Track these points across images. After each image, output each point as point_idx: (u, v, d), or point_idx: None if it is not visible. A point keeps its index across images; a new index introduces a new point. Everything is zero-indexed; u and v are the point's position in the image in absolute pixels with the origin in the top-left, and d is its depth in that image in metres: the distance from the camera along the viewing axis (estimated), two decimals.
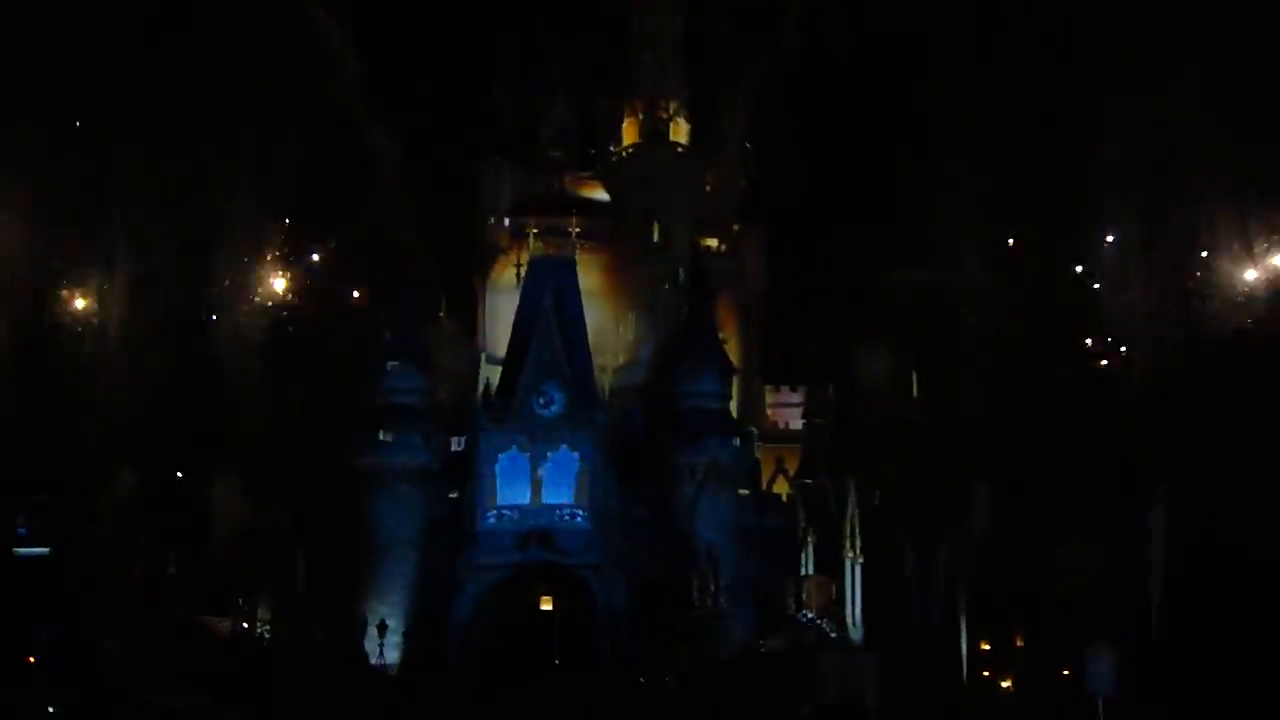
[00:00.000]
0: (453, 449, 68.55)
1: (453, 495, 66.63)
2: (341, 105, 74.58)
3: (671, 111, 78.55)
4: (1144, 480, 56.80)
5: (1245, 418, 53.75)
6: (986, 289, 68.99)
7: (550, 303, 67.88)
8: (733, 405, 71.60)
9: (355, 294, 78.33)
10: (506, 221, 78.41)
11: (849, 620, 62.51)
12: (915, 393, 75.56)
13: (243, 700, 51.33)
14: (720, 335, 72.72)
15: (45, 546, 63.86)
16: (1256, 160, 56.48)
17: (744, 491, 68.41)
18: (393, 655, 62.39)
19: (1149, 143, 60.24)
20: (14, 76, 60.39)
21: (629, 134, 79.58)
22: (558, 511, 64.93)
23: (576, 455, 65.45)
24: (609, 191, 80.00)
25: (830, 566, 64.95)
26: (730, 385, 70.86)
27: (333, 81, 73.95)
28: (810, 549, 65.33)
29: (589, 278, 74.05)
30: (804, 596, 64.67)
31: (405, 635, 63.14)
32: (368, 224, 75.40)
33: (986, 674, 60.48)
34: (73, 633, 55.18)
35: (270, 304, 74.94)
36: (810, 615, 63.53)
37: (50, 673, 52.70)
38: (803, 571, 65.19)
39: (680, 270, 73.59)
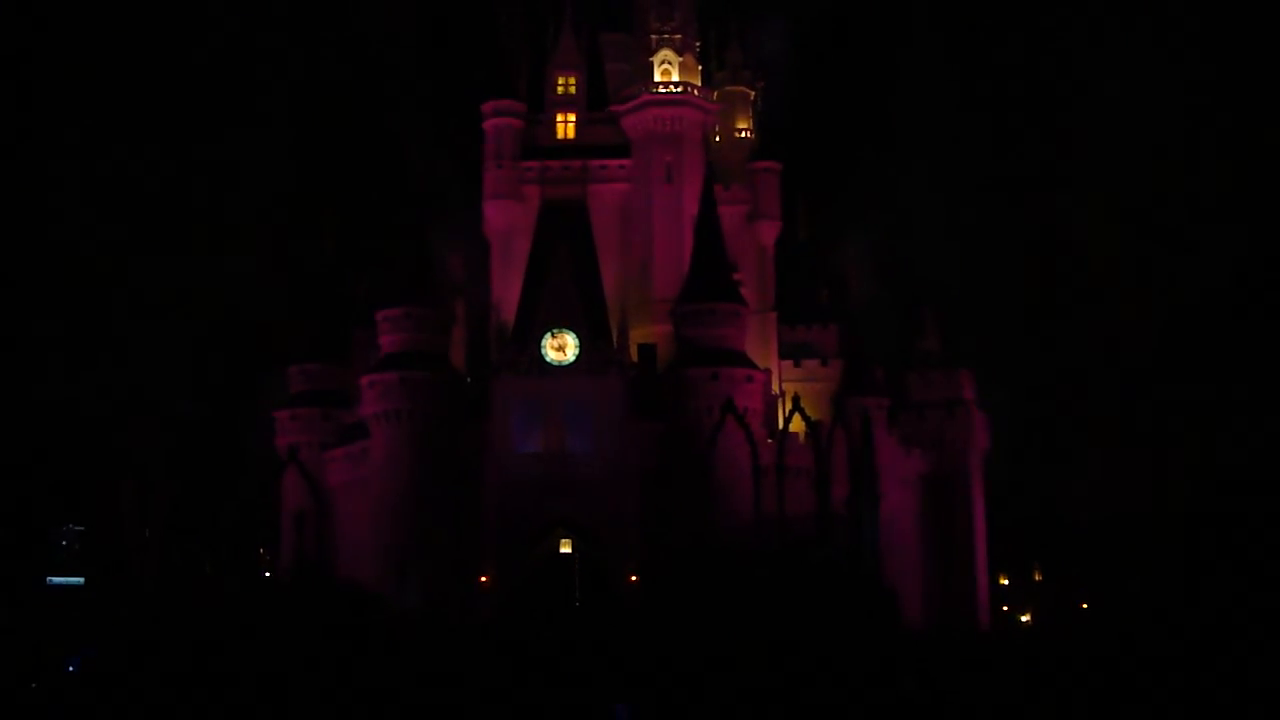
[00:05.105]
0: (469, 395, 68.55)
1: (470, 436, 66.46)
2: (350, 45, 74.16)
3: (684, 51, 77.53)
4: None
5: None
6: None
7: (563, 247, 67.57)
8: (747, 343, 71.25)
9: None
10: (516, 165, 77.54)
11: (869, 555, 62.61)
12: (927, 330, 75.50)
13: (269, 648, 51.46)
14: (735, 275, 72.45)
15: (80, 576, 64.22)
16: None
17: (760, 429, 68.41)
18: (413, 598, 62.55)
19: None
20: None
21: (640, 73, 78.59)
22: (573, 461, 64.88)
23: (592, 400, 65.28)
24: (621, 133, 79.05)
25: (849, 503, 65.00)
26: (744, 324, 70.58)
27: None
28: (829, 486, 65.37)
29: (602, 219, 73.71)
30: (826, 534, 64.82)
31: (426, 579, 63.28)
32: (380, 172, 75.23)
33: (1006, 609, 60.72)
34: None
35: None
36: (832, 553, 63.66)
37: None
38: (821, 509, 65.28)
39: (694, 211, 72.93)
